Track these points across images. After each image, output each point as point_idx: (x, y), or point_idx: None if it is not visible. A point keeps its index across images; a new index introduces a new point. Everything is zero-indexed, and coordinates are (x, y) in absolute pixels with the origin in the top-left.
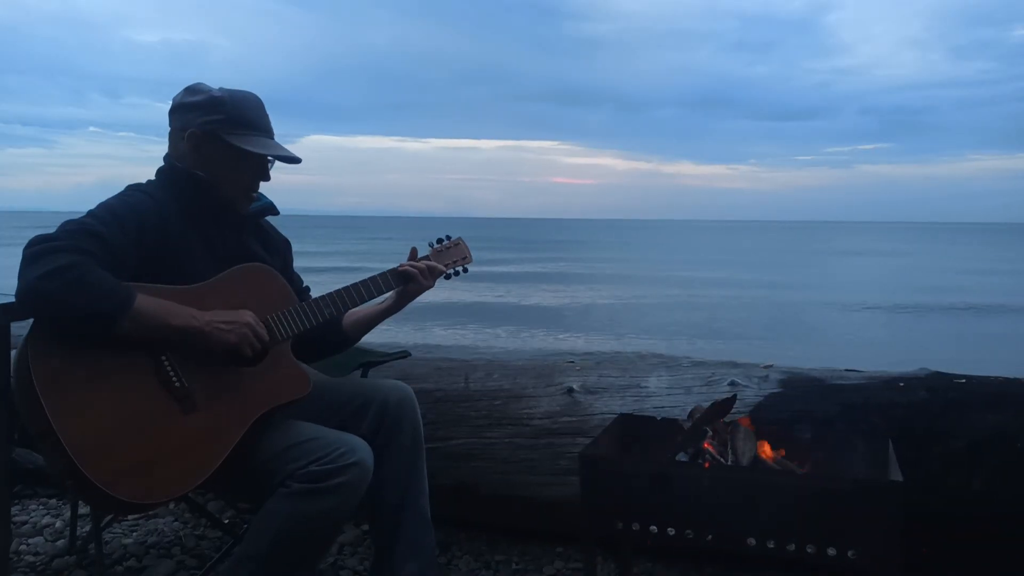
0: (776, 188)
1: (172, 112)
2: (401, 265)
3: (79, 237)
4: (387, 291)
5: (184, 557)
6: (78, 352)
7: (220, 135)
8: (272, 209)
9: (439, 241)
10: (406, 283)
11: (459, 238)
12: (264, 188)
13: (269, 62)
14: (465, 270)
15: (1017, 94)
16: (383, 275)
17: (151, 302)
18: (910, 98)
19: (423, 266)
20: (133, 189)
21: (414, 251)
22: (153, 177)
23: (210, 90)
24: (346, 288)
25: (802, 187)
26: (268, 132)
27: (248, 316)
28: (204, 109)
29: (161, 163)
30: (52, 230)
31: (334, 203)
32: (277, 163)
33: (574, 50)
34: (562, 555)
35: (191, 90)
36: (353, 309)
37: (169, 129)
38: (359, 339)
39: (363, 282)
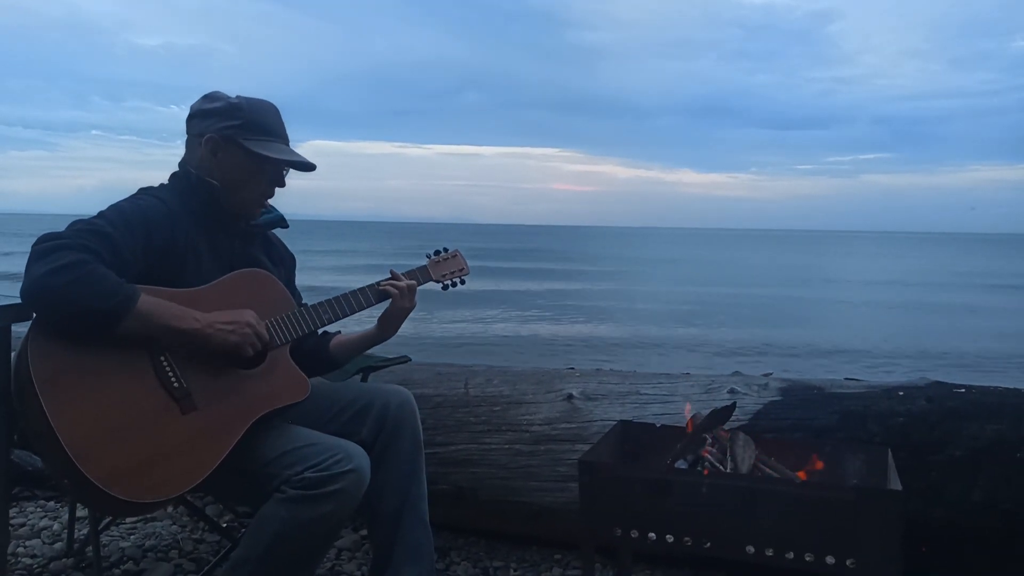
0: (776, 197)
1: (190, 119)
2: (381, 283)
3: (86, 236)
4: (367, 306)
5: (182, 560)
6: (78, 351)
7: (238, 140)
8: (282, 222)
9: (436, 253)
10: (386, 301)
11: (456, 250)
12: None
13: (272, 67)
14: (462, 281)
15: (1018, 105)
16: (363, 290)
17: (154, 302)
18: (911, 108)
19: (403, 285)
20: (145, 193)
21: (394, 273)
22: (166, 181)
23: (228, 97)
24: (333, 299)
25: (802, 196)
26: (284, 139)
27: (249, 315)
28: (222, 115)
29: (169, 168)
30: (58, 230)
31: (336, 208)
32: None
33: (576, 58)
34: (560, 561)
35: (209, 97)
36: (344, 333)
37: (186, 136)
38: (346, 362)
39: (344, 296)
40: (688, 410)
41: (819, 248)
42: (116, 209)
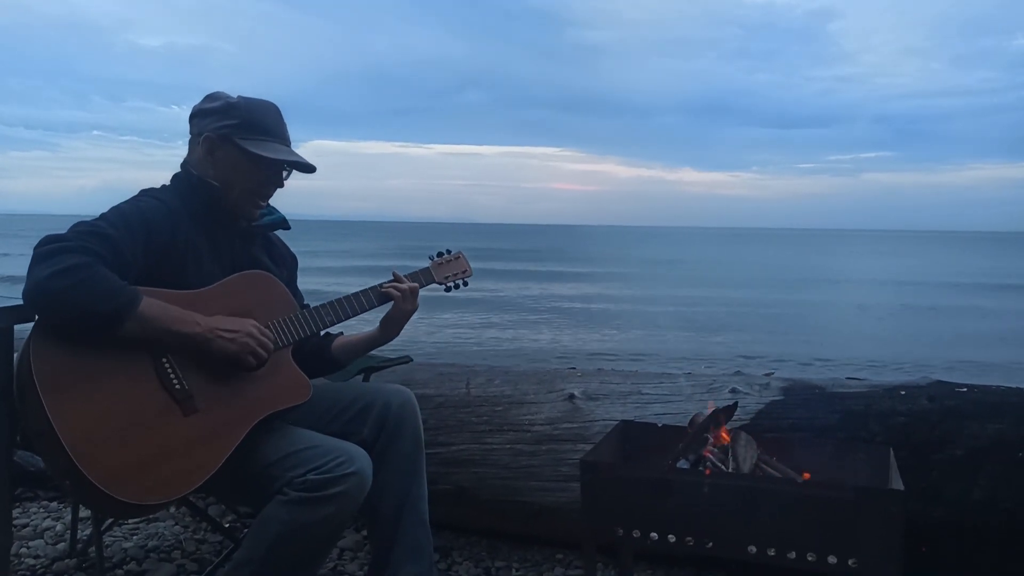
0: (778, 196)
1: (191, 119)
2: (383, 285)
3: (87, 238)
4: (369, 308)
5: (184, 561)
6: (80, 352)
7: (233, 139)
8: (283, 223)
9: (439, 255)
10: (388, 303)
11: (459, 252)
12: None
13: (273, 67)
14: (465, 283)
15: (1018, 103)
16: (365, 292)
17: (155, 304)
18: (912, 106)
19: (405, 288)
20: (146, 194)
21: (396, 274)
22: (168, 182)
23: (228, 97)
24: (335, 301)
25: (804, 195)
26: (284, 140)
27: (251, 326)
28: (220, 114)
29: (171, 169)
30: (59, 231)
31: (337, 208)
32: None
33: (576, 57)
34: (562, 561)
35: (210, 97)
36: (347, 335)
37: (189, 136)
38: (348, 363)
39: (346, 297)
40: (711, 406)
41: (821, 247)
42: (116, 211)
